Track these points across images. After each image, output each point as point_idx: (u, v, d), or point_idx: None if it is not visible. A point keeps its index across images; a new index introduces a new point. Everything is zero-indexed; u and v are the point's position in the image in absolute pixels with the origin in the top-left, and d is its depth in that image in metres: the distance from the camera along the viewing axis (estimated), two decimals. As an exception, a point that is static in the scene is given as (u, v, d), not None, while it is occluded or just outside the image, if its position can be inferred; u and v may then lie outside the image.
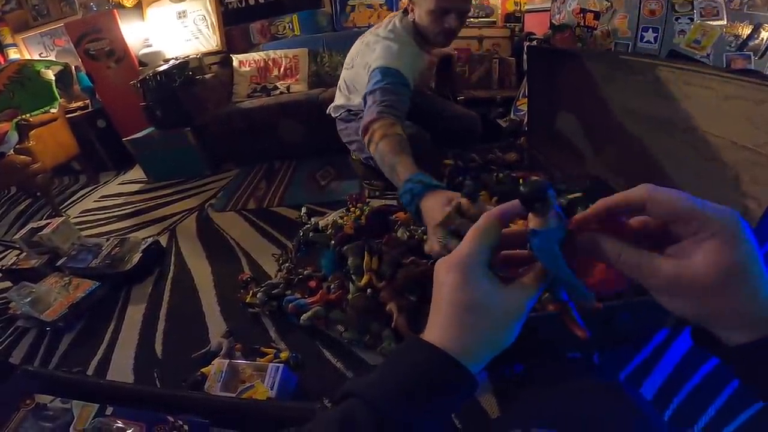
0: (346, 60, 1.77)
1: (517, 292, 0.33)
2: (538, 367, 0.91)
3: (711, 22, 1.60)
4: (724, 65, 1.58)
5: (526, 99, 2.02)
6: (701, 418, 0.86)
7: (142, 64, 3.11)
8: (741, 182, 0.79)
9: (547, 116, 1.61)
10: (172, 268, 1.75)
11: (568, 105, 1.48)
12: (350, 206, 1.59)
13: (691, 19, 1.65)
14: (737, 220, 0.26)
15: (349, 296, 1.18)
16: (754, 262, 0.26)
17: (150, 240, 1.80)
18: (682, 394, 0.91)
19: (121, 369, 1.26)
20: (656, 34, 1.73)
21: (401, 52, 1.38)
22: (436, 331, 0.33)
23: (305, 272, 1.38)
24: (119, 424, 0.89)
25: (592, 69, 1.26)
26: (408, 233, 1.31)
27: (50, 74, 2.79)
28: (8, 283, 1.76)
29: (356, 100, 1.69)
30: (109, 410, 0.90)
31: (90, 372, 1.27)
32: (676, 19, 1.67)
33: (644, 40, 1.77)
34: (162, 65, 2.74)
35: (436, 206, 0.85)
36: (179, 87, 2.54)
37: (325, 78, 2.96)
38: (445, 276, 0.33)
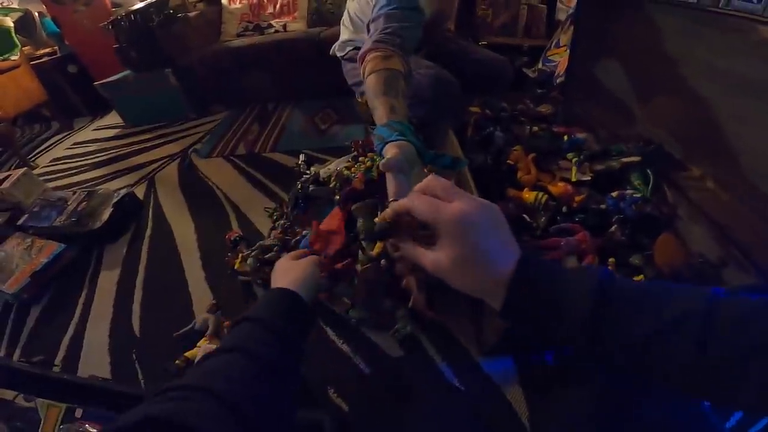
0: None
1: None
2: (572, 357, 0.80)
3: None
4: None
5: (561, 49, 1.92)
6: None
7: (115, 5, 2.86)
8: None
9: (592, 68, 1.41)
10: (149, 224, 1.55)
11: (624, 58, 1.27)
12: (357, 155, 1.31)
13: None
14: (469, 220, 0.35)
15: (358, 266, 0.95)
16: (484, 251, 0.35)
17: (123, 191, 1.56)
18: None
19: (96, 350, 1.11)
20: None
21: None
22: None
23: (304, 233, 1.15)
24: (91, 430, 0.79)
25: (667, 21, 1.06)
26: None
27: (9, 21, 2.68)
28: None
29: (364, 34, 1.45)
30: (79, 412, 0.80)
31: (62, 354, 1.12)
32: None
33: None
34: (137, 4, 2.52)
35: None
36: (157, 26, 2.35)
37: (326, 16, 2.69)
38: (294, 265, 0.69)
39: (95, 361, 1.07)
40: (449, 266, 0.35)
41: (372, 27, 1.07)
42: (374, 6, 1.12)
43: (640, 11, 1.12)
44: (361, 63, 0.99)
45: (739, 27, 0.83)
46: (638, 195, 0.99)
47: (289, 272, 0.64)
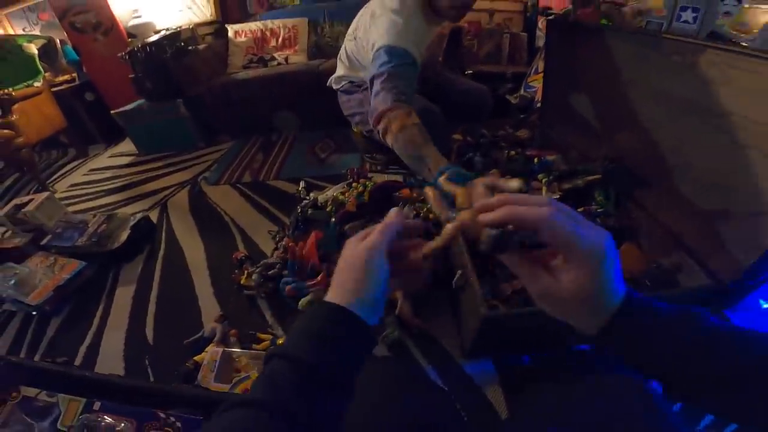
0: (349, 30, 1.64)
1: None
2: (547, 358, 0.93)
3: (763, 6, 1.50)
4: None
5: (540, 75, 1.96)
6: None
7: (131, 35, 2.97)
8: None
9: (563, 94, 1.52)
10: (162, 245, 1.66)
11: (589, 83, 1.39)
12: (352, 181, 1.47)
13: (739, 1, 1.53)
14: (603, 253, 0.34)
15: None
16: (607, 285, 0.34)
17: (139, 215, 1.69)
18: None
19: (112, 356, 1.20)
20: (696, 14, 1.59)
21: (407, 28, 1.27)
22: (332, 292, 0.44)
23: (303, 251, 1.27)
24: (108, 420, 0.84)
25: (620, 47, 1.18)
26: (414, 211, 1.20)
27: (33, 48, 2.74)
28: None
29: (360, 73, 1.60)
30: (97, 405, 0.86)
31: (79, 360, 1.20)
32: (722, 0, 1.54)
33: (681, 20, 1.62)
34: (152, 36, 2.63)
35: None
36: (170, 58, 2.45)
37: (325, 49, 2.84)
38: (353, 250, 0.45)
39: (110, 366, 1.15)
40: (569, 294, 0.34)
41: (377, 83, 1.19)
42: (375, 60, 1.24)
43: (600, 39, 1.23)
44: (378, 119, 1.15)
45: (679, 49, 0.94)
46: (601, 209, 1.10)
47: (347, 272, 0.44)
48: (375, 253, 0.44)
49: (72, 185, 2.46)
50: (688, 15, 1.57)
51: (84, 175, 2.59)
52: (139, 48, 2.41)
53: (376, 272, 0.43)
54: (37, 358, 1.24)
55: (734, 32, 1.55)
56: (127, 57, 2.40)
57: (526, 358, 0.97)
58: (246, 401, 0.36)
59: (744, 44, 1.47)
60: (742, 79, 0.80)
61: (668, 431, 0.45)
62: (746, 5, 1.53)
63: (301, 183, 1.74)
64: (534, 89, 2.13)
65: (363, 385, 0.44)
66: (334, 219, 1.26)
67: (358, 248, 0.45)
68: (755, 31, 1.51)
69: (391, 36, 1.24)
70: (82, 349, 1.24)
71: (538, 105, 1.87)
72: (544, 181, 1.21)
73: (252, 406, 0.35)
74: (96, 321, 1.34)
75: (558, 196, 1.15)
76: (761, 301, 0.89)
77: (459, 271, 0.89)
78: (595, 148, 1.31)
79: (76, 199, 2.23)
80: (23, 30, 3.40)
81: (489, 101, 1.80)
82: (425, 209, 1.23)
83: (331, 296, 0.43)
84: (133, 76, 2.45)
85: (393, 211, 0.48)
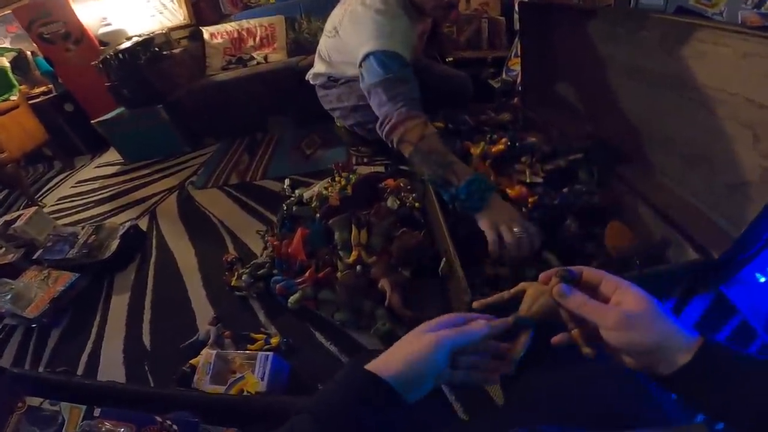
0: (327, 26, 1.61)
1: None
2: (542, 347, 0.88)
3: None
4: (739, 23, 1.46)
5: (519, 59, 1.91)
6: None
7: (103, 44, 2.93)
8: (759, 141, 0.73)
9: (542, 75, 1.51)
10: (154, 252, 1.67)
11: (565, 63, 1.39)
12: (336, 175, 1.47)
13: (705, -26, 1.51)
14: (629, 326, 0.37)
15: (338, 274, 1.10)
16: (665, 310, 0.38)
17: (128, 224, 1.70)
18: None
19: (112, 364, 1.22)
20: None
21: (394, 29, 1.24)
22: (384, 360, 0.42)
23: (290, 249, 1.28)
24: (108, 425, 0.84)
25: (592, 25, 1.17)
26: (398, 201, 1.21)
27: (5, 61, 2.71)
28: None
29: (340, 69, 1.59)
30: (97, 411, 0.85)
31: (81, 369, 1.23)
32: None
33: (649, -5, 1.62)
34: (124, 43, 2.58)
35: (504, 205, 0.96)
36: (145, 64, 2.42)
37: (305, 45, 2.83)
38: (420, 337, 0.44)
39: (111, 374, 1.17)
40: (643, 309, 0.38)
41: (376, 95, 1.17)
42: (368, 69, 1.20)
43: (573, 18, 1.22)
44: (392, 130, 1.13)
45: (648, 25, 0.93)
46: (584, 188, 1.08)
47: (403, 347, 0.44)
48: (441, 348, 0.42)
49: (60, 198, 2.46)
50: (654, -10, 1.57)
51: (72, 187, 2.58)
52: (112, 56, 2.38)
53: (433, 367, 0.41)
54: (41, 369, 1.27)
55: (700, 6, 1.54)
56: (100, 65, 2.38)
57: None
58: None
59: (710, 17, 1.47)
60: (713, 52, 0.79)
61: (662, 419, 0.46)
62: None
63: (285, 181, 1.73)
64: (515, 73, 2.11)
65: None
66: (319, 215, 1.26)
67: (427, 337, 0.43)
68: (720, 4, 1.50)
69: (379, 40, 1.20)
70: (84, 358, 1.26)
71: (519, 88, 1.82)
72: (527, 163, 1.22)
73: None
74: (94, 330, 1.36)
75: (541, 179, 1.14)
76: (758, 275, 0.88)
77: (444, 259, 0.90)
78: (577, 127, 1.30)
79: (66, 212, 2.24)
80: (-8, 44, 3.34)
81: (469, 87, 1.79)
82: (411, 198, 1.24)
83: (380, 365, 0.41)
84: (108, 84, 2.43)
85: (482, 322, 0.45)
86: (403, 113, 1.11)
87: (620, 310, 0.38)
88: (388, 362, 0.41)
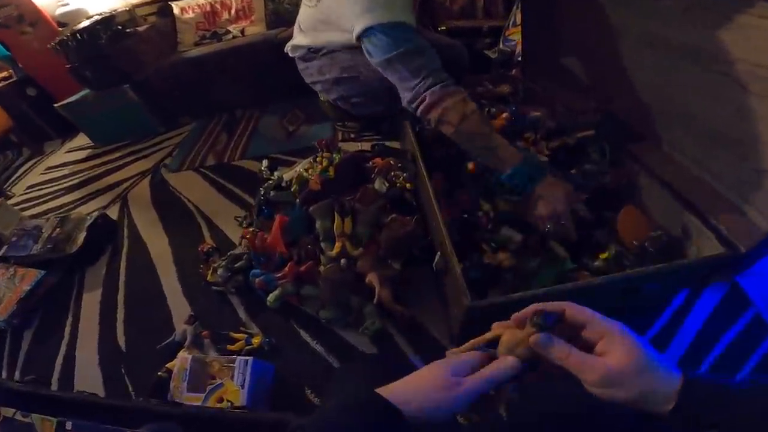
0: None
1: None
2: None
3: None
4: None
5: (518, 28, 1.83)
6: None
7: (62, 25, 2.73)
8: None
9: (544, 45, 1.41)
10: (125, 243, 1.56)
11: (571, 31, 1.28)
12: (319, 155, 1.34)
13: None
14: (614, 380, 0.36)
15: (321, 268, 0.99)
16: (651, 356, 0.37)
17: (95, 214, 1.57)
18: (702, 368, 0.83)
19: (87, 367, 1.14)
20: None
21: None
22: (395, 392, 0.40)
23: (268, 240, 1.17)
24: None
25: None
26: (387, 183, 1.09)
27: None
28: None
29: (321, 40, 1.45)
30: (69, 425, 0.83)
31: (57, 374, 1.15)
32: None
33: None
34: (82, 23, 2.41)
35: (557, 190, 0.91)
36: (106, 43, 2.26)
37: (285, 16, 2.61)
38: (447, 380, 0.40)
39: (88, 378, 1.10)
40: (625, 367, 0.36)
41: (398, 69, 1.06)
42: (373, 45, 1.09)
43: None
44: (429, 110, 1.03)
45: None
46: (595, 168, 1.01)
47: (425, 383, 0.42)
48: (467, 398, 0.40)
49: (30, 186, 2.31)
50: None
51: (41, 174, 2.44)
52: (69, 36, 2.21)
53: (454, 411, 0.40)
54: (17, 374, 1.20)
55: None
56: (58, 47, 2.23)
57: None
58: None
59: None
60: (757, 26, 0.68)
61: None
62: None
63: (263, 162, 1.61)
64: (513, 42, 1.99)
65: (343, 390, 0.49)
66: (299, 200, 1.14)
67: (455, 382, 0.40)
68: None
69: (378, 11, 1.08)
70: (59, 360, 1.18)
71: (519, 59, 1.76)
72: (530, 140, 1.11)
73: None
74: (67, 330, 1.28)
75: (546, 157, 1.05)
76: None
77: (438, 253, 0.80)
78: (584, 101, 1.21)
79: (35, 201, 2.10)
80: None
81: (465, 57, 1.65)
82: (401, 179, 1.13)
83: (398, 397, 0.39)
84: (69, 66, 2.28)
85: (510, 360, 0.41)
86: (437, 92, 1.01)
87: (604, 365, 0.37)
88: (407, 394, 0.40)
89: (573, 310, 0.40)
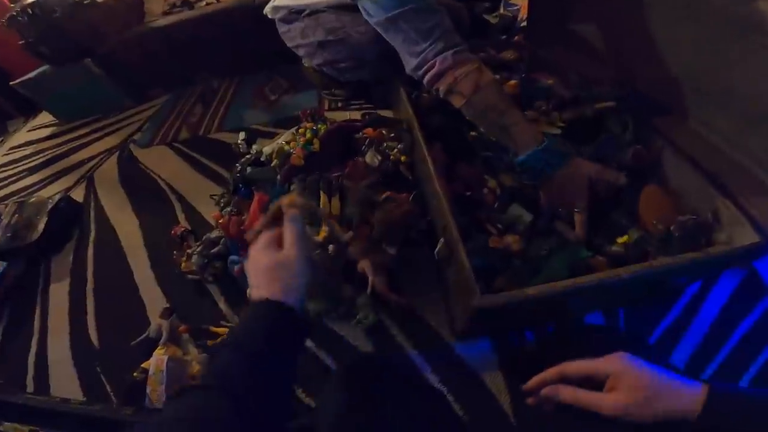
0: None
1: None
2: (553, 335, 0.85)
3: None
4: None
5: None
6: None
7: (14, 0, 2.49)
8: None
9: (554, 7, 1.26)
10: (92, 227, 1.44)
11: None
12: (302, 127, 1.21)
13: None
14: (630, 362, 0.42)
15: (307, 254, 0.88)
16: (663, 379, 0.40)
17: (57, 197, 1.43)
18: (717, 359, 0.80)
19: (61, 366, 1.06)
20: None
21: None
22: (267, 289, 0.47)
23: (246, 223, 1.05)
24: None
25: None
26: (379, 156, 0.97)
27: None
28: None
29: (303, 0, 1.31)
30: None
31: (30, 373, 1.08)
32: None
33: None
34: None
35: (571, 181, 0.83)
36: (62, 17, 2.07)
37: None
38: (271, 256, 0.49)
39: (63, 378, 1.03)
40: (642, 395, 0.40)
41: (398, 32, 0.93)
42: (372, 4, 0.96)
43: None
44: (437, 79, 0.91)
45: None
46: (615, 143, 0.91)
47: (272, 272, 0.47)
48: (300, 261, 0.49)
49: (-8, 169, 2.14)
50: None
51: (4, 155, 2.26)
52: (19, 11, 2.02)
53: (303, 276, 0.49)
54: None
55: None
56: (7, 24, 2.03)
57: (529, 334, 0.85)
58: (203, 386, 0.39)
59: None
60: None
61: None
62: None
63: (240, 134, 1.46)
64: (516, 7, 1.85)
65: (340, 392, 0.54)
66: (279, 177, 1.02)
67: (280, 256, 0.49)
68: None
69: None
70: (30, 359, 1.11)
71: (523, 24, 1.65)
72: (541, 109, 0.99)
73: (208, 389, 0.38)
74: (36, 326, 1.19)
75: (559, 130, 0.94)
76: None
77: (442, 239, 0.69)
78: (599, 69, 1.08)
79: (-2, 185, 1.94)
80: None
81: (465, 18, 1.49)
82: (395, 151, 1.00)
83: (266, 293, 0.46)
84: (23, 42, 2.11)
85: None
86: (449, 59, 0.87)
87: (615, 401, 0.39)
88: (278, 289, 0.46)
89: (570, 370, 0.45)
